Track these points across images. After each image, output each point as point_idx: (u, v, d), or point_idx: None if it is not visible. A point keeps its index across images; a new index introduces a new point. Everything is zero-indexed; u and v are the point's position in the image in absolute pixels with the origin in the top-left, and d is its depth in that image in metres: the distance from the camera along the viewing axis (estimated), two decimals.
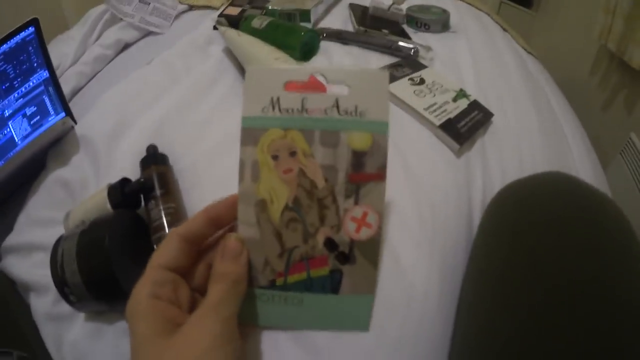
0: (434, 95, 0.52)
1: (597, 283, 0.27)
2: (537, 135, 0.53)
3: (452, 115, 0.50)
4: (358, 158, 0.26)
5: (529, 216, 0.31)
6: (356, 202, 0.27)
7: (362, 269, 0.27)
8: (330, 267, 0.27)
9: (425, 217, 0.39)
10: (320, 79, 0.27)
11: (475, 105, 0.53)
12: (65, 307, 0.35)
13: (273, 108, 0.26)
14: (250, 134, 0.26)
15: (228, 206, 0.27)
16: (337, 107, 0.26)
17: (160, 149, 0.44)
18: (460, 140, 0.47)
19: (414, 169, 0.43)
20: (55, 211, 0.44)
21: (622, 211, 0.32)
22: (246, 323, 0.28)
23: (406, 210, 0.39)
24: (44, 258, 0.36)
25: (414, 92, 0.52)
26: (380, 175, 0.26)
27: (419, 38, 0.70)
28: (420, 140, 0.47)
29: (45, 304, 0.38)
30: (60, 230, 0.39)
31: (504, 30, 0.92)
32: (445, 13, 0.76)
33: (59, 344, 0.36)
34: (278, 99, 0.26)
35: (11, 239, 0.43)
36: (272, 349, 0.30)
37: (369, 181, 0.26)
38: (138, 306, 0.24)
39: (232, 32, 0.57)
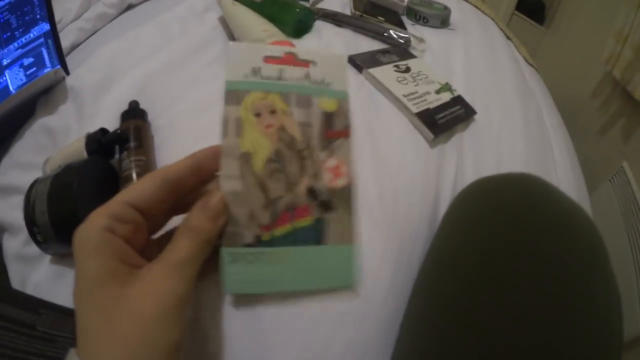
0: (417, 85, 0.53)
1: (551, 283, 0.26)
2: (520, 141, 0.53)
3: (431, 106, 0.50)
4: (328, 118, 0.29)
5: (489, 210, 0.31)
6: (330, 155, 0.29)
7: (342, 217, 0.29)
8: (314, 215, 0.28)
9: (387, 199, 0.40)
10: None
11: (458, 100, 0.53)
12: (33, 249, 0.36)
13: (255, 75, 0.28)
14: (233, 95, 0.28)
15: (213, 156, 0.26)
16: (309, 78, 0.29)
17: (143, 105, 0.46)
18: (435, 130, 0.48)
19: (383, 151, 0.44)
20: (37, 156, 0.45)
21: (591, 220, 0.31)
22: (233, 292, 0.29)
23: (368, 188, 0.40)
24: (22, 200, 0.37)
25: (397, 78, 0.53)
26: (347, 132, 0.30)
27: (415, 30, 0.71)
28: (395, 125, 0.48)
29: (16, 245, 0.40)
30: (39, 175, 0.41)
31: (508, 38, 0.92)
32: (446, 10, 0.77)
33: (23, 284, 0.37)
34: (259, 68, 0.28)
35: None
36: (215, 318, 0.31)
37: (339, 137, 0.30)
38: (89, 239, 0.21)
39: (227, 1, 0.58)
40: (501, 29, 0.93)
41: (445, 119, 0.50)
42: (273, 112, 0.28)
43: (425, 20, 0.74)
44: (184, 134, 0.42)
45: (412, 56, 0.59)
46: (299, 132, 0.29)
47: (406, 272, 0.36)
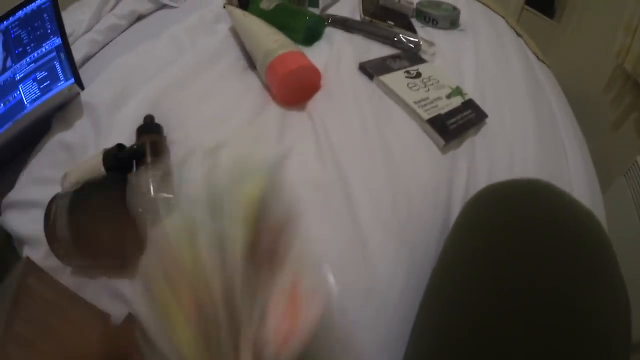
0: (428, 90, 0.53)
1: (558, 295, 0.26)
2: (533, 142, 0.53)
3: (442, 112, 0.50)
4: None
5: (499, 218, 0.31)
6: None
7: None
8: None
9: (400, 204, 0.41)
10: None
11: (469, 104, 0.53)
12: (54, 261, 0.37)
13: None
14: None
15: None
16: None
17: (158, 119, 0.47)
18: (446, 136, 0.47)
19: (395, 157, 0.44)
20: (55, 171, 0.46)
21: (599, 224, 0.31)
22: None
23: (381, 194, 0.41)
24: (41, 214, 0.38)
25: (408, 84, 0.53)
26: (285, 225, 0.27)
27: (425, 33, 0.71)
28: (406, 132, 0.48)
29: (38, 258, 0.40)
30: (58, 190, 0.42)
31: (518, 35, 0.91)
32: (455, 10, 0.76)
33: None
34: None
35: (12, 196, 0.46)
36: None
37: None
38: None
39: (237, 11, 0.58)
40: (511, 27, 0.91)
41: (456, 125, 0.49)
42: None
43: (434, 22, 0.73)
44: (197, 149, 0.42)
45: (423, 61, 0.59)
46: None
47: (418, 277, 0.37)
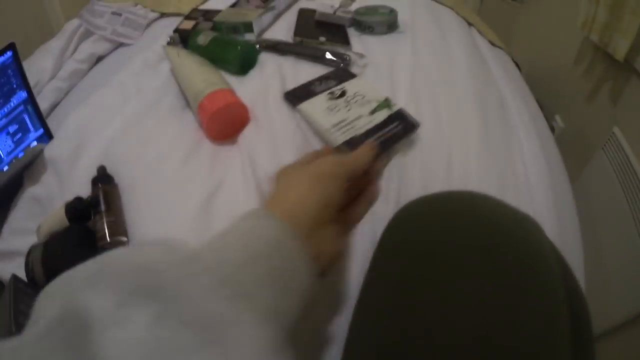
0: (349, 109, 0.53)
1: (469, 325, 0.25)
2: (476, 144, 0.52)
3: (360, 132, 0.50)
4: None
5: (406, 241, 0.31)
6: None
7: None
8: None
9: None
10: None
11: (397, 116, 0.52)
12: None
13: None
14: None
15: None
16: None
17: (110, 167, 0.53)
18: None
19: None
20: (31, 222, 0.53)
21: (533, 236, 0.29)
22: None
23: None
24: (23, 262, 0.45)
25: (328, 107, 0.54)
26: None
27: (361, 41, 0.73)
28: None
29: None
30: (35, 239, 0.49)
31: (470, 24, 0.90)
32: (392, 13, 0.77)
33: None
34: None
35: None
36: None
37: None
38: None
39: (173, 53, 0.63)
40: (461, 17, 0.91)
41: (379, 141, 0.48)
42: None
43: (371, 29, 0.76)
44: (145, 191, 0.49)
45: (352, 76, 0.61)
46: None
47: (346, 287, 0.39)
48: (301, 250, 0.26)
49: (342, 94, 0.57)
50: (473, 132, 0.54)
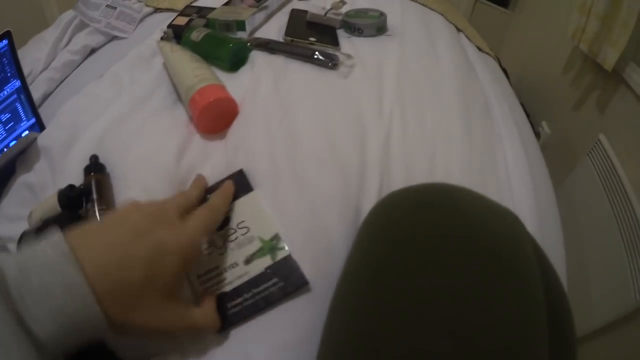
0: (223, 252, 0.41)
1: (439, 318, 0.25)
2: (459, 146, 0.53)
3: (227, 289, 0.39)
4: None
5: (384, 230, 0.31)
6: None
7: None
8: None
9: (305, 219, 0.43)
10: None
11: (278, 268, 0.39)
12: None
13: None
14: None
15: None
16: None
17: (102, 157, 0.55)
18: (225, 323, 0.36)
19: (301, 175, 0.49)
20: (23, 209, 0.55)
21: (514, 231, 0.29)
22: None
23: (288, 210, 0.45)
24: (14, 248, 0.47)
25: (202, 249, 0.41)
26: None
27: (350, 43, 0.76)
28: (317, 149, 0.51)
29: None
30: (26, 226, 0.51)
31: (459, 30, 0.92)
32: (382, 16, 0.80)
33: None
34: None
35: None
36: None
37: None
38: None
39: (166, 48, 0.65)
40: (451, 22, 0.93)
41: (241, 307, 0.38)
42: None
43: (360, 31, 0.79)
44: (134, 184, 0.51)
45: (249, 189, 0.46)
46: None
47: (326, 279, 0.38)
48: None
49: (226, 221, 0.43)
50: (456, 134, 0.56)
